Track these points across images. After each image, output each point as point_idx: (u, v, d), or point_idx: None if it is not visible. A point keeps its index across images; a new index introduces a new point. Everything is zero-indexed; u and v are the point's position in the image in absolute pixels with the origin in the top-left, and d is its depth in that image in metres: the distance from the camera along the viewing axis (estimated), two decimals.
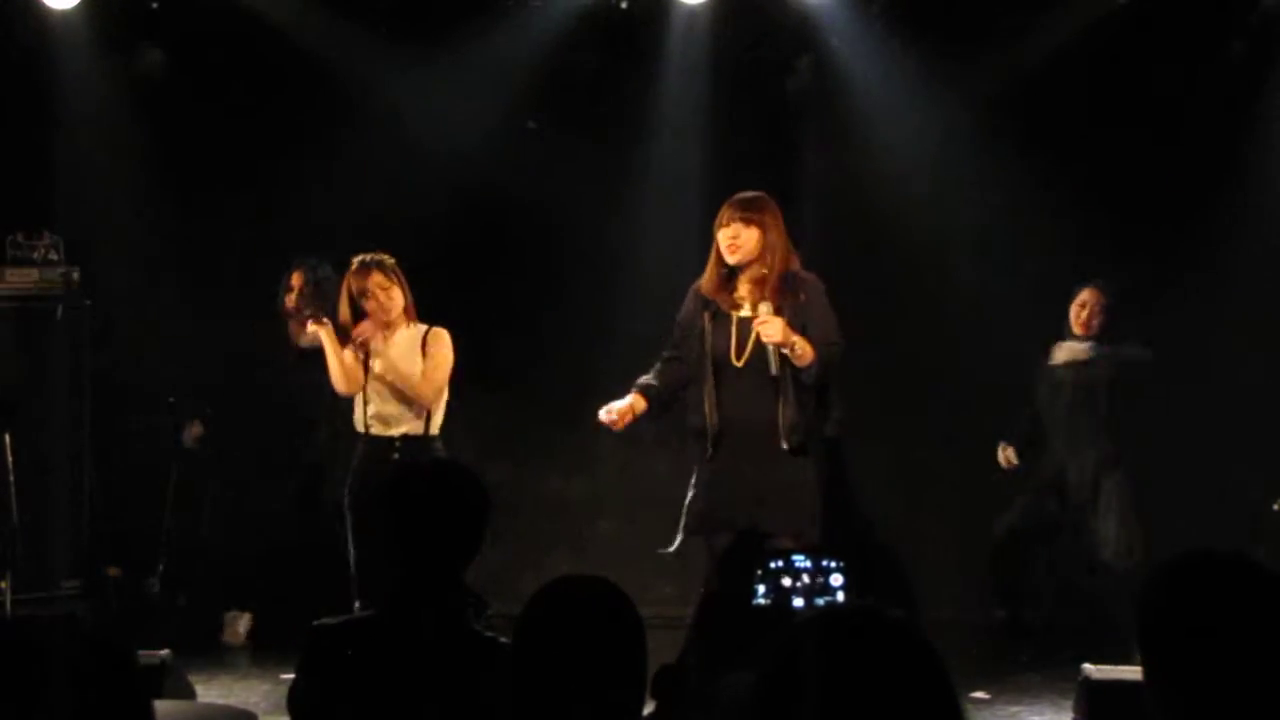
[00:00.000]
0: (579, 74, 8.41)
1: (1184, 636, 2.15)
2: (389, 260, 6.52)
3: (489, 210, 8.50)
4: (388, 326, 6.51)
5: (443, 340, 6.54)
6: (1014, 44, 8.10)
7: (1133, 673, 5.79)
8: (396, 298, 6.48)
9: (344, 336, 6.53)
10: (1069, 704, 6.24)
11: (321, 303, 7.57)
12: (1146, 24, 8.02)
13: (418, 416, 6.47)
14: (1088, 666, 5.96)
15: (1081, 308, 7.58)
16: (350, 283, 6.53)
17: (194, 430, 8.22)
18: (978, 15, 8.16)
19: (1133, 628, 2.23)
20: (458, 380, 6.64)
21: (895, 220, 8.28)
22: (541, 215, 8.46)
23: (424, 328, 6.55)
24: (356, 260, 6.52)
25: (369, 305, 6.48)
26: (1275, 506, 7.53)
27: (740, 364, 5.98)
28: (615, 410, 6.13)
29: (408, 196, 8.15)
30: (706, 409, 6.02)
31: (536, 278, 8.66)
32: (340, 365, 6.51)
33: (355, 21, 8.25)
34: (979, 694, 6.73)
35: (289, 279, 7.97)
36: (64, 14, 8.04)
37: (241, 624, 8.03)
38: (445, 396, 6.55)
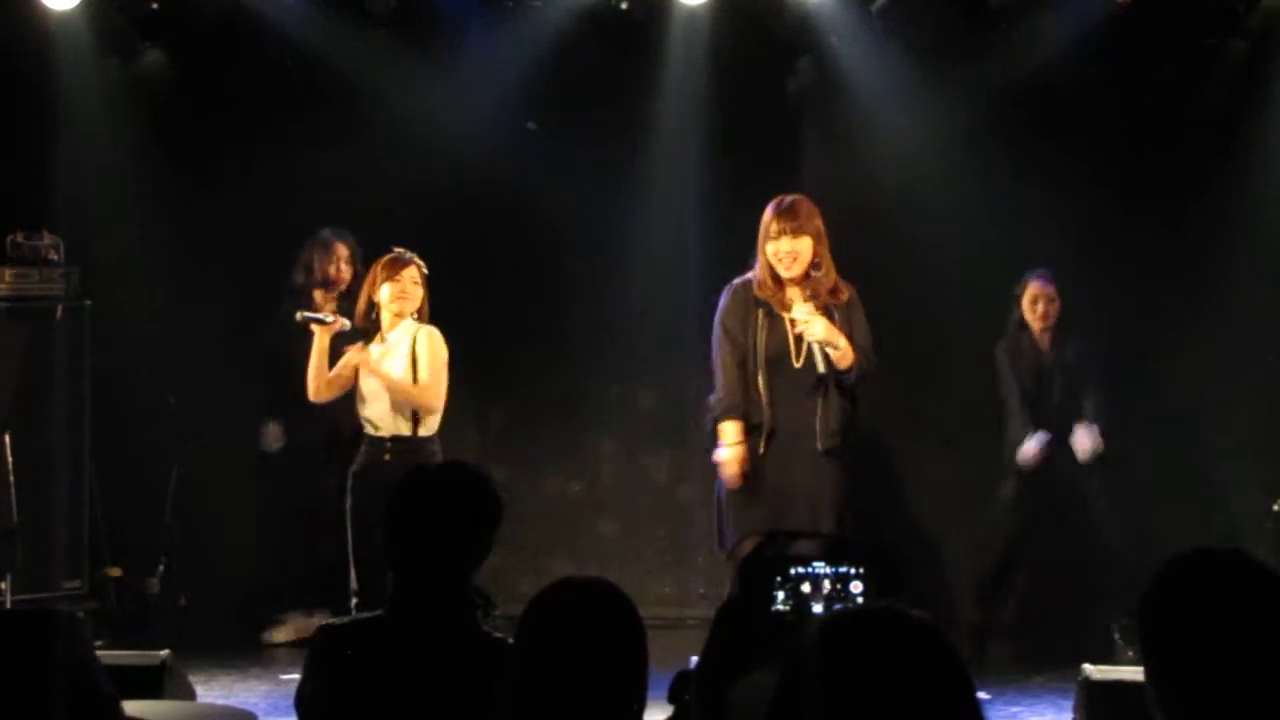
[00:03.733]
0: (579, 74, 8.40)
1: (1185, 635, 2.15)
2: (424, 266, 6.52)
3: (488, 210, 8.50)
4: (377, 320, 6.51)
5: (435, 340, 6.51)
6: (1014, 44, 8.09)
7: (1133, 673, 5.79)
8: (418, 299, 6.48)
9: (369, 331, 6.50)
10: (1069, 704, 6.24)
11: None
12: (1146, 24, 8.02)
13: (405, 418, 6.46)
14: (1088, 666, 5.95)
15: (1034, 302, 7.62)
16: (380, 268, 6.50)
17: (274, 431, 8.10)
18: (977, 15, 8.16)
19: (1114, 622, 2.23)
20: (457, 381, 6.63)
21: (895, 219, 8.28)
22: (541, 215, 8.45)
23: (415, 327, 6.53)
24: (396, 250, 6.49)
25: (389, 287, 6.43)
26: (1275, 507, 7.53)
27: (799, 364, 6.03)
28: (738, 462, 6.05)
29: (408, 197, 8.14)
30: (763, 406, 6.05)
31: (536, 278, 8.67)
32: (320, 371, 6.49)
33: (355, 21, 8.24)
34: (980, 694, 6.72)
35: (334, 250, 7.89)
36: (64, 15, 8.03)
37: (293, 627, 7.98)
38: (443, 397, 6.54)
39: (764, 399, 6.07)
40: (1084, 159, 8.19)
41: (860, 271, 7.87)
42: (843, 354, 6.03)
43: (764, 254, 6.11)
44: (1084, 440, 7.50)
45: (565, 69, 8.33)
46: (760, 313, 6.10)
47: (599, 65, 8.40)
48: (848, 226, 8.34)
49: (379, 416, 6.47)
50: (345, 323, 6.62)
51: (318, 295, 7.92)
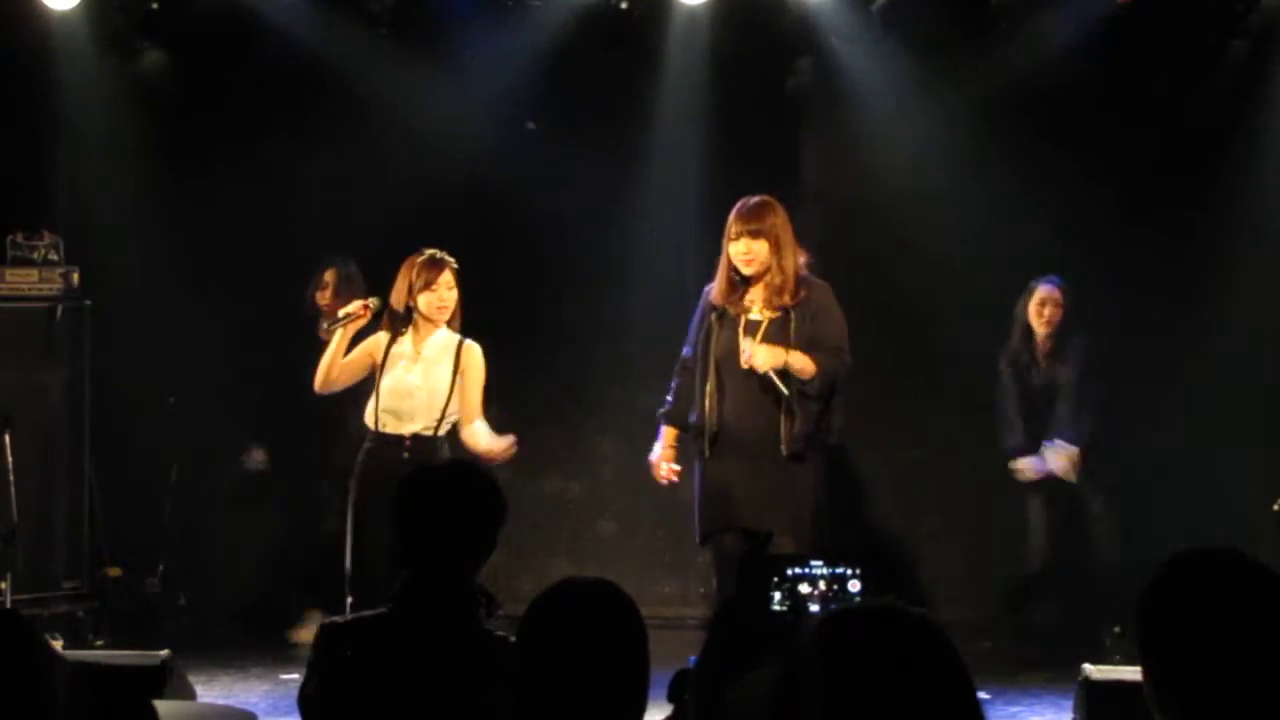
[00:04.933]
0: (579, 74, 8.41)
1: (1182, 635, 2.14)
2: (456, 264, 6.50)
3: (488, 211, 8.50)
4: (412, 326, 6.49)
5: (477, 357, 6.48)
6: (1013, 43, 8.10)
7: (1133, 673, 5.77)
8: (453, 303, 6.46)
9: (396, 323, 6.45)
10: (1069, 704, 6.24)
11: (352, 299, 7.56)
12: (1146, 24, 8.02)
13: (431, 416, 6.44)
14: (1088, 666, 5.95)
15: (1041, 305, 7.63)
16: (415, 272, 6.43)
17: (256, 454, 8.13)
18: (977, 15, 8.17)
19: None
20: None
21: (894, 219, 8.28)
22: (541, 216, 8.46)
23: (457, 336, 6.51)
24: (429, 251, 6.44)
25: (426, 297, 6.42)
26: (1275, 507, 7.53)
27: (746, 367, 6.03)
28: (663, 465, 6.37)
29: (407, 197, 8.13)
30: (706, 409, 6.07)
31: (536, 278, 8.66)
32: (335, 360, 6.42)
33: (355, 21, 8.25)
34: (979, 694, 6.71)
35: (320, 276, 7.93)
36: (64, 14, 8.03)
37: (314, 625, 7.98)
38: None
39: (708, 402, 6.09)
40: (1083, 158, 8.19)
41: (859, 270, 7.90)
42: (801, 367, 6.01)
43: (725, 253, 6.14)
44: (1054, 461, 7.57)
45: (565, 69, 8.33)
46: (713, 317, 6.14)
47: (599, 65, 8.40)
48: (847, 226, 8.38)
49: (403, 411, 6.43)
50: (374, 302, 6.55)
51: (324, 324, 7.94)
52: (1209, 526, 7.49)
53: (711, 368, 6.10)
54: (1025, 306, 7.71)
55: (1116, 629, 7.27)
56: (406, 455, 6.30)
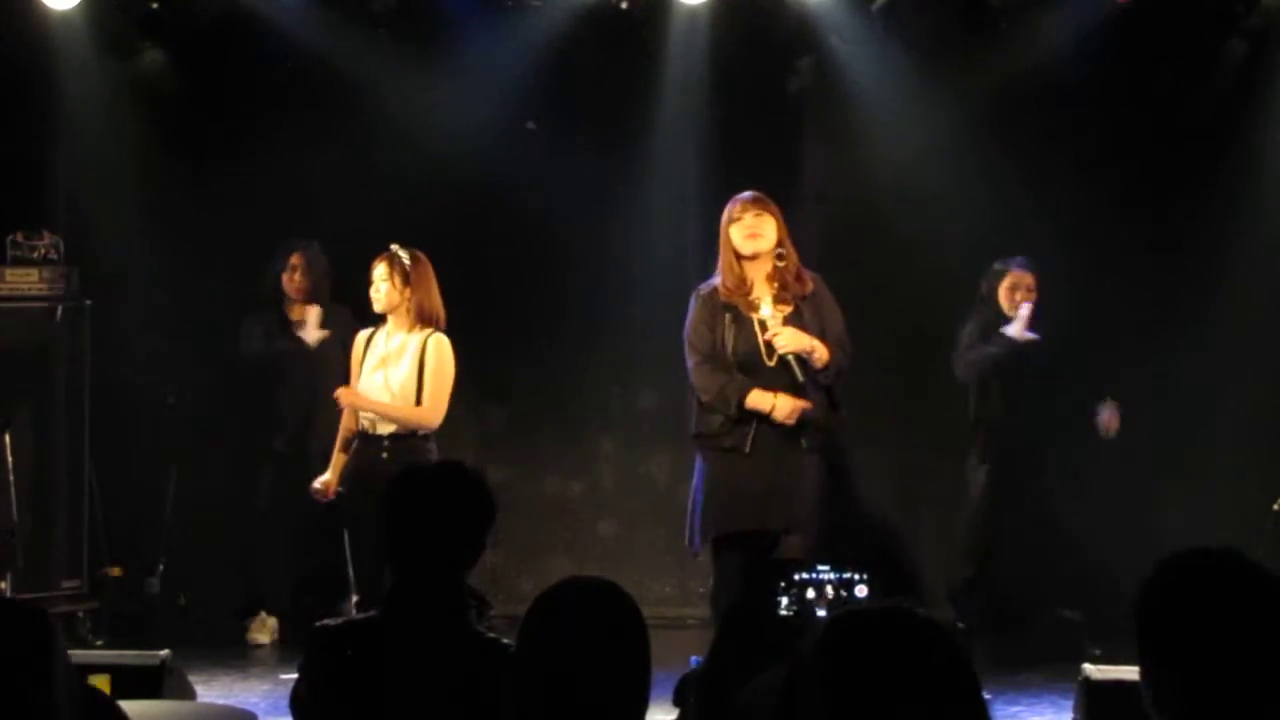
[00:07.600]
0: (579, 74, 8.41)
1: (1180, 634, 2.15)
2: (404, 255, 6.51)
3: (488, 211, 8.50)
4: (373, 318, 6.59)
5: (442, 353, 6.50)
6: (1014, 43, 8.10)
7: (1133, 673, 5.76)
8: (393, 295, 6.47)
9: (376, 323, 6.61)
10: (1069, 704, 6.24)
11: (319, 284, 7.76)
12: (1146, 24, 8.03)
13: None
14: (1088, 666, 5.95)
15: (1013, 290, 7.56)
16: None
17: (314, 318, 7.87)
18: (977, 14, 8.16)
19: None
20: (457, 381, 6.63)
21: (895, 219, 8.28)
22: (541, 216, 8.46)
23: (427, 332, 6.53)
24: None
25: (371, 292, 6.53)
26: (1275, 506, 7.53)
27: (772, 364, 6.02)
28: (791, 401, 5.99)
29: (408, 196, 8.14)
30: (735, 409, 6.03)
31: (535, 278, 8.66)
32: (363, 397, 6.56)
33: (355, 22, 8.25)
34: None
35: (287, 259, 7.94)
36: (64, 14, 8.03)
37: (269, 627, 7.99)
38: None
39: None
40: (1084, 158, 8.20)
41: (859, 270, 7.90)
42: (820, 356, 6.02)
43: (727, 242, 6.10)
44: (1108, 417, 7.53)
45: (565, 69, 8.33)
46: (727, 317, 6.08)
47: (599, 65, 8.40)
48: (848, 226, 8.38)
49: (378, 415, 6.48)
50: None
51: (291, 310, 7.95)
52: (1207, 526, 7.50)
53: (733, 368, 6.07)
54: (994, 288, 7.63)
55: (1096, 651, 7.20)
56: (385, 455, 6.36)
